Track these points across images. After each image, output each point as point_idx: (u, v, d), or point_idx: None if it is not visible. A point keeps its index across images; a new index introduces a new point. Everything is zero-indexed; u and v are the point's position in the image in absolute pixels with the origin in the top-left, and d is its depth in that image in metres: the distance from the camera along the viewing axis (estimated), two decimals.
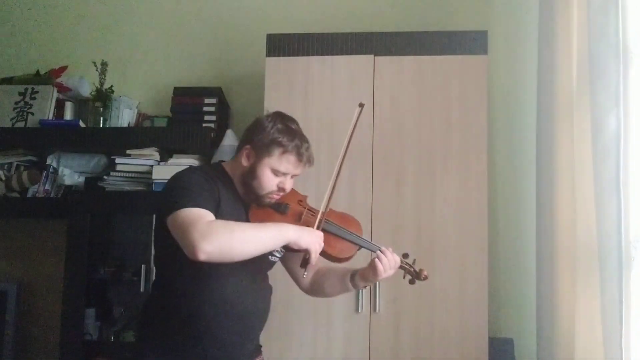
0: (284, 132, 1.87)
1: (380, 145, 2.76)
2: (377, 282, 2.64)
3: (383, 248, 1.93)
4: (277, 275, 2.51)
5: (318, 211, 1.92)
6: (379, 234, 2.70)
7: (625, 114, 1.96)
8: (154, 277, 2.11)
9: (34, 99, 3.26)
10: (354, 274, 1.98)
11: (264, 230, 1.73)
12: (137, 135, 3.14)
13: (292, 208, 1.94)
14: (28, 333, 3.25)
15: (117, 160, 3.08)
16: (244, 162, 1.89)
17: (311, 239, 1.77)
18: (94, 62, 3.26)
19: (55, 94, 3.28)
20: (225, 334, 1.84)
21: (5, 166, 3.24)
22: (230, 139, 3.10)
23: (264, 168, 1.86)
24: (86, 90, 3.33)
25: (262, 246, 1.72)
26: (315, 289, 2.09)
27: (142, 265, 2.93)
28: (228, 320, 1.83)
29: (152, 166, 3.05)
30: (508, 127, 3.16)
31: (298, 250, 1.78)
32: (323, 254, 1.89)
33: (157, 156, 3.07)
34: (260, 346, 2.08)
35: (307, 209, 1.95)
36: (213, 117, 3.17)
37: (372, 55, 2.82)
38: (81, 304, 2.96)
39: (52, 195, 3.16)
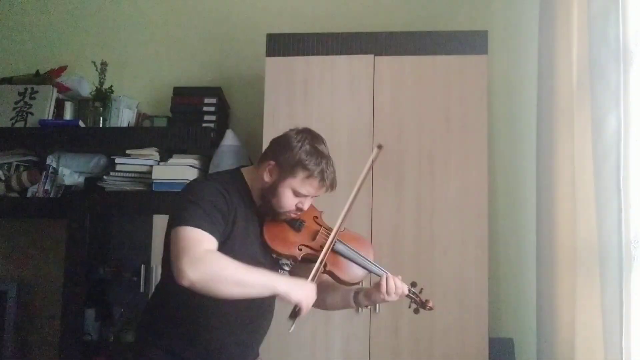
0: (311, 154, 1.82)
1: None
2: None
3: (390, 274, 1.88)
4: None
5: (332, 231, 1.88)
6: (379, 234, 2.70)
7: (626, 114, 1.95)
8: (158, 278, 2.10)
9: (34, 99, 3.25)
10: (357, 292, 1.94)
11: (255, 277, 1.67)
12: (137, 135, 3.14)
13: (307, 226, 1.90)
14: (28, 333, 3.25)
15: (117, 160, 3.08)
16: (266, 177, 1.84)
17: (302, 294, 1.69)
18: (94, 62, 3.25)
19: (55, 94, 3.27)
20: (227, 346, 1.84)
21: (5, 166, 3.24)
22: (230, 139, 3.10)
23: (286, 188, 1.81)
24: (86, 90, 3.33)
25: (246, 293, 1.68)
26: (318, 302, 1.99)
27: (142, 266, 2.93)
28: (230, 332, 1.83)
29: (151, 166, 3.05)
30: (508, 127, 3.16)
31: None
32: (332, 275, 1.88)
33: (156, 156, 3.07)
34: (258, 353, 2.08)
35: (323, 228, 1.91)
36: (213, 117, 3.17)
37: (372, 55, 2.82)
38: (81, 304, 2.96)
39: (51, 195, 3.16)
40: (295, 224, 1.88)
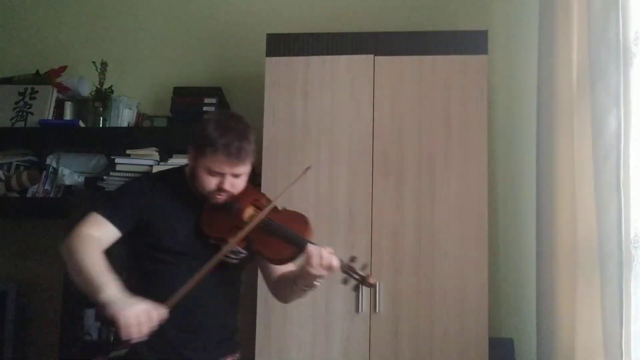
0: (216, 129, 1.84)
1: (380, 145, 2.76)
2: (376, 287, 2.63)
3: (317, 247, 1.81)
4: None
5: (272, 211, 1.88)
6: (379, 235, 2.70)
7: (626, 114, 1.95)
8: None
9: (34, 99, 3.25)
10: (297, 272, 1.90)
11: (92, 274, 1.71)
12: (137, 135, 3.14)
13: (242, 208, 1.89)
14: (28, 333, 3.25)
15: (117, 160, 3.08)
16: (189, 162, 1.93)
17: (122, 312, 1.59)
18: (94, 62, 3.26)
19: (55, 94, 3.27)
20: (164, 327, 1.79)
21: (5, 166, 3.24)
22: None
23: (201, 169, 1.86)
24: (86, 90, 3.32)
25: (80, 283, 1.75)
26: (278, 293, 2.05)
27: None
28: (174, 316, 1.80)
29: (151, 166, 3.05)
30: (508, 127, 3.16)
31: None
32: (260, 255, 1.88)
33: (156, 156, 3.07)
34: (237, 343, 2.05)
35: (256, 209, 1.90)
36: None
37: (372, 55, 2.82)
38: (81, 304, 2.96)
39: (51, 195, 3.16)
40: (228, 207, 1.89)
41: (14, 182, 3.16)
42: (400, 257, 2.70)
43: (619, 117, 1.96)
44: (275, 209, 1.93)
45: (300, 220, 1.91)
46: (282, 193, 2.00)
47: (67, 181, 3.15)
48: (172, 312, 1.75)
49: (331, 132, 2.80)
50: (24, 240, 3.35)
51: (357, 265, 1.82)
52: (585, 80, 2.18)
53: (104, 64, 3.26)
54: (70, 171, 3.18)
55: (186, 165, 1.99)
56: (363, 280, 1.80)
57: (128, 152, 3.08)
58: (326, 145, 2.80)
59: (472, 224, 2.68)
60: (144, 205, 1.88)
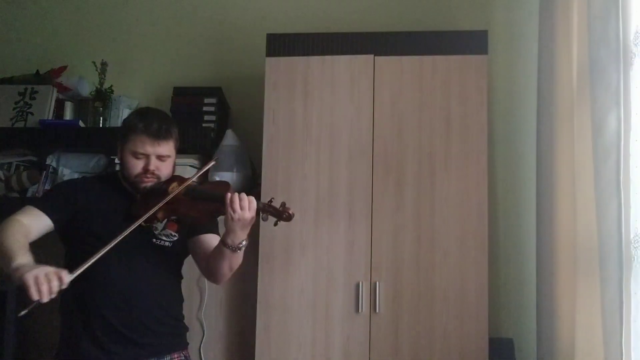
0: (135, 116, 2.07)
1: (380, 145, 2.76)
2: (378, 284, 2.64)
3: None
4: (276, 275, 2.52)
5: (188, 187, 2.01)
6: (379, 234, 2.70)
7: (626, 113, 1.95)
8: None
9: (34, 99, 3.26)
10: (222, 236, 1.98)
11: (7, 248, 1.81)
12: None
13: (167, 187, 2.01)
14: (28, 333, 3.25)
15: (117, 160, 3.08)
16: (118, 155, 2.09)
17: (28, 274, 1.68)
18: (94, 62, 3.26)
19: (55, 94, 3.28)
20: (108, 314, 1.95)
21: (5, 166, 3.24)
22: (230, 139, 3.10)
23: (126, 153, 2.02)
24: (86, 90, 3.33)
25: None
26: (209, 272, 2.11)
27: None
28: (107, 299, 1.95)
29: None
30: (508, 127, 3.16)
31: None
32: (190, 218, 2.01)
33: None
34: (186, 343, 2.13)
35: (177, 184, 2.01)
36: (213, 117, 3.17)
37: (372, 55, 2.82)
38: None
39: None
40: (156, 190, 2.01)
41: (14, 182, 3.16)
42: (400, 257, 2.70)
43: (619, 117, 1.96)
44: (200, 182, 2.10)
45: (222, 184, 2.03)
46: (202, 169, 2.18)
47: None
48: (112, 297, 1.92)
49: (331, 132, 2.80)
50: None
51: (275, 204, 1.92)
52: (585, 80, 2.18)
53: (104, 64, 3.26)
54: (70, 171, 3.18)
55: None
56: (280, 214, 1.89)
57: None
58: (326, 145, 2.80)
59: (472, 224, 2.68)
60: (76, 197, 2.02)
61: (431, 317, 2.65)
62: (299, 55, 2.85)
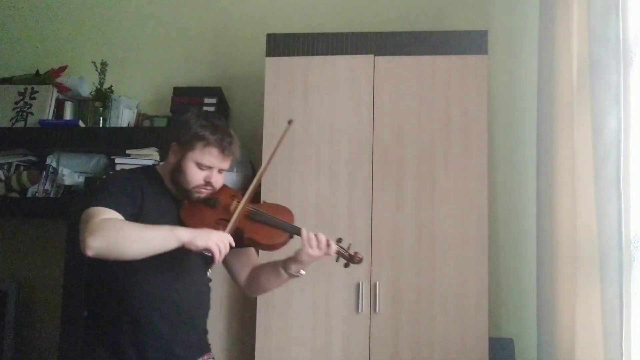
0: (206, 127, 1.92)
1: (380, 145, 2.76)
2: (378, 284, 2.64)
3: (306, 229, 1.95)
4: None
5: (249, 205, 1.96)
6: (379, 234, 2.70)
7: (626, 114, 1.96)
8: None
9: (34, 99, 3.25)
10: (285, 262, 1.99)
11: (154, 230, 1.75)
12: (137, 135, 3.14)
13: (222, 201, 1.96)
14: (28, 333, 3.25)
15: (117, 160, 3.08)
16: (171, 158, 1.96)
17: (210, 239, 1.74)
18: (94, 62, 3.26)
19: (55, 94, 3.27)
20: (157, 322, 1.88)
21: (5, 166, 3.24)
22: None
23: (189, 162, 1.91)
24: (86, 90, 3.32)
25: (150, 245, 1.74)
26: (252, 286, 2.10)
27: None
28: (158, 309, 1.87)
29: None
30: (508, 127, 3.16)
31: (202, 252, 1.76)
32: (252, 242, 1.94)
33: (156, 156, 3.06)
34: (209, 344, 2.08)
35: (237, 201, 1.96)
36: None
37: (372, 55, 2.82)
38: (81, 304, 2.95)
39: (51, 195, 3.16)
40: (210, 202, 1.95)
41: (14, 182, 3.16)
42: (400, 257, 2.70)
43: (619, 117, 1.96)
44: (257, 202, 2.04)
45: (284, 209, 2.02)
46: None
47: (67, 181, 3.15)
48: (166, 306, 1.85)
49: (331, 132, 2.80)
50: (24, 240, 3.35)
51: (344, 245, 1.96)
52: (585, 80, 2.18)
53: (104, 64, 3.26)
54: (70, 171, 3.18)
55: (157, 163, 2.05)
56: (352, 258, 1.95)
57: (128, 152, 3.07)
58: (326, 145, 2.80)
59: (472, 224, 2.68)
60: (136, 195, 1.89)
61: (431, 317, 2.65)
62: (299, 55, 2.85)
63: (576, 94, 2.30)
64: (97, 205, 1.82)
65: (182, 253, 1.81)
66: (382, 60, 2.82)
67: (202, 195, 1.94)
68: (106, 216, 1.78)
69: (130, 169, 2.18)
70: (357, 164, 2.76)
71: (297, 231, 1.92)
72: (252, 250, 2.10)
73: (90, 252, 1.71)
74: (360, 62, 2.82)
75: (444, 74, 2.78)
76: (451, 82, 2.77)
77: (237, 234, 1.89)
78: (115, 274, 1.87)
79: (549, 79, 2.51)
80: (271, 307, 2.70)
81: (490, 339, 2.65)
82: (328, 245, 1.91)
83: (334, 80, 2.82)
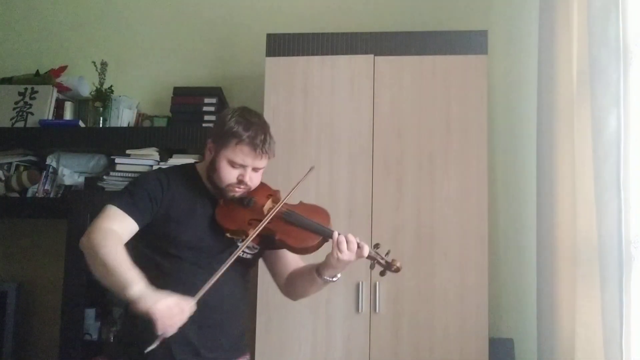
0: (239, 123, 1.88)
1: (380, 145, 2.76)
2: (376, 284, 2.64)
3: (340, 232, 1.87)
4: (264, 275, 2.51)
5: (287, 204, 1.90)
6: (379, 234, 2.70)
7: (626, 114, 1.95)
8: None
9: (34, 98, 3.26)
10: (319, 265, 1.92)
11: (120, 268, 1.67)
12: (137, 135, 3.13)
13: (257, 202, 1.91)
14: (28, 333, 3.25)
15: (117, 160, 3.08)
16: (207, 156, 1.93)
17: (156, 305, 1.60)
18: (94, 62, 3.26)
19: (55, 94, 3.28)
20: (186, 326, 1.78)
21: (5, 166, 3.24)
22: None
23: (222, 160, 1.87)
24: (86, 90, 3.33)
25: (106, 279, 1.69)
26: (289, 290, 2.05)
27: None
28: (196, 314, 1.80)
29: (151, 166, 3.04)
30: (508, 127, 3.16)
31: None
32: (284, 245, 1.87)
33: (156, 156, 3.07)
34: (246, 345, 2.06)
35: (272, 202, 1.92)
36: (213, 117, 3.16)
37: (372, 55, 2.82)
38: (81, 304, 2.96)
39: (51, 195, 3.16)
40: (245, 201, 1.90)
41: (14, 182, 3.16)
42: (400, 257, 2.68)
43: (619, 117, 1.96)
44: (293, 202, 1.95)
45: (320, 211, 1.95)
46: (296, 185, 1.97)
47: (67, 181, 3.15)
48: (193, 315, 1.76)
49: (331, 132, 2.80)
50: (24, 240, 3.35)
51: (381, 251, 1.86)
52: (585, 80, 2.18)
53: (104, 64, 3.26)
54: (70, 171, 3.18)
55: (196, 162, 2.02)
56: (389, 266, 1.86)
57: (128, 152, 3.08)
58: (326, 145, 2.80)
59: (472, 224, 2.68)
60: (162, 198, 1.85)
61: (431, 317, 2.65)
62: (299, 55, 2.85)
63: (576, 94, 2.30)
64: (114, 205, 1.80)
65: (214, 255, 1.81)
66: (382, 60, 2.82)
67: (237, 195, 1.89)
68: (114, 224, 1.76)
69: (168, 168, 2.12)
70: (357, 163, 2.76)
71: (329, 234, 1.84)
72: (282, 252, 2.02)
73: (80, 244, 1.75)
74: (360, 62, 2.82)
75: (444, 74, 2.78)
76: (451, 82, 2.77)
77: (268, 235, 1.84)
78: (152, 275, 1.80)
79: (549, 79, 2.51)
80: (271, 307, 2.70)
81: (490, 339, 2.65)
82: (359, 247, 1.83)
83: (334, 80, 2.82)
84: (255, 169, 1.90)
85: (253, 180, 1.90)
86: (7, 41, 3.57)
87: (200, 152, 3.08)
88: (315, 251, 1.88)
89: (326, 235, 1.85)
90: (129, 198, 1.82)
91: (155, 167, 3.03)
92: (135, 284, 1.63)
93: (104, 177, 3.09)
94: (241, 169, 1.87)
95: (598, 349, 2.02)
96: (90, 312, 3.04)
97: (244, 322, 2.04)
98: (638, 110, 1.95)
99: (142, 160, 3.07)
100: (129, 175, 3.06)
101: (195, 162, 2.03)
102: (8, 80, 3.35)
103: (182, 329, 1.75)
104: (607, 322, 1.96)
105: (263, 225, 1.81)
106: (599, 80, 2.05)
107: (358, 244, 1.84)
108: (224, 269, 1.74)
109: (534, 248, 2.65)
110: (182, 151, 3.09)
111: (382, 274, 1.89)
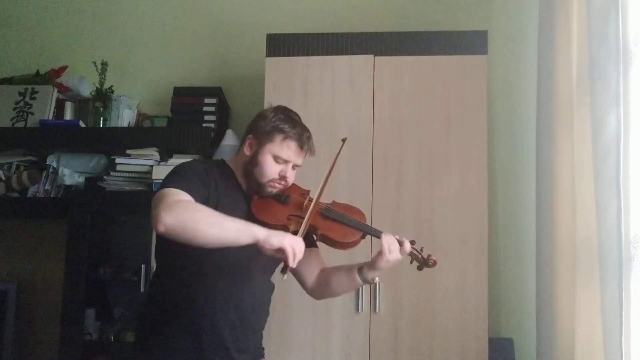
0: (285, 120, 1.91)
1: (380, 145, 2.76)
2: (378, 284, 2.64)
3: (386, 232, 1.89)
4: (276, 275, 2.52)
5: (321, 203, 1.91)
6: None
7: (625, 113, 1.95)
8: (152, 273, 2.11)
9: (34, 99, 3.26)
10: (361, 267, 1.93)
11: (231, 221, 1.66)
12: (137, 135, 3.14)
13: (294, 199, 1.93)
14: (28, 333, 3.25)
15: (117, 160, 3.08)
16: (247, 151, 1.92)
17: (285, 240, 1.63)
18: (94, 62, 3.26)
19: (55, 94, 3.28)
20: (220, 329, 1.84)
21: (5, 166, 3.24)
22: (230, 139, 3.10)
23: (266, 154, 1.88)
24: (86, 90, 3.33)
25: (225, 234, 1.64)
26: (320, 290, 2.05)
27: (142, 265, 2.93)
28: (222, 314, 1.84)
29: (152, 166, 3.05)
30: (508, 127, 3.16)
31: (274, 254, 1.67)
32: (326, 240, 1.88)
33: (157, 156, 3.07)
34: (263, 348, 2.08)
35: (309, 199, 1.92)
36: (213, 117, 3.17)
37: (372, 55, 2.82)
38: (81, 304, 2.96)
39: (52, 195, 3.16)
40: (282, 198, 1.91)
41: (14, 182, 3.16)
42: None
43: (618, 117, 1.96)
44: (326, 201, 1.99)
45: (356, 209, 2.00)
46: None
47: (67, 181, 3.15)
48: (231, 311, 1.80)
49: (331, 132, 2.79)
50: (24, 240, 3.35)
51: (417, 247, 1.91)
52: (585, 80, 2.18)
53: (104, 64, 3.26)
54: (70, 171, 3.18)
55: (222, 159, 2.02)
56: (427, 262, 1.90)
57: (128, 152, 3.08)
58: (326, 145, 2.79)
59: (472, 224, 2.68)
60: (209, 184, 1.83)
61: (431, 317, 2.65)
62: (298, 55, 2.85)
63: (576, 94, 2.29)
64: (171, 187, 1.73)
65: (251, 256, 1.78)
66: (382, 60, 2.82)
67: (274, 191, 1.90)
68: (182, 198, 1.70)
69: (203, 160, 2.09)
70: (357, 163, 2.76)
71: (376, 233, 1.88)
72: (319, 252, 2.05)
73: (161, 228, 1.61)
74: (360, 62, 2.82)
75: (444, 74, 2.78)
76: (451, 82, 2.77)
77: (309, 232, 1.86)
78: (182, 273, 1.83)
79: (548, 79, 2.51)
80: (271, 307, 2.69)
81: (490, 339, 2.65)
82: (401, 245, 1.85)
83: (334, 81, 2.83)
84: (295, 166, 1.93)
85: (291, 178, 1.93)
86: (7, 41, 3.57)
87: (200, 152, 3.09)
88: (355, 247, 1.91)
89: (367, 232, 1.90)
90: (182, 180, 1.77)
91: (155, 167, 3.03)
92: (256, 228, 1.64)
93: (104, 177, 3.10)
94: (283, 165, 1.89)
95: (598, 349, 2.02)
96: (90, 312, 3.04)
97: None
98: (638, 110, 1.94)
99: (143, 160, 3.07)
100: (129, 175, 3.07)
101: (224, 160, 2.02)
102: (8, 81, 3.35)
103: (217, 329, 1.80)
104: (607, 322, 1.96)
105: (310, 214, 1.83)
106: (598, 80, 2.05)
107: (399, 241, 1.85)
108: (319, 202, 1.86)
109: (534, 248, 2.65)
110: (183, 151, 3.09)
111: (419, 268, 1.93)
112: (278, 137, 1.88)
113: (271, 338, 2.69)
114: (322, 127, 2.80)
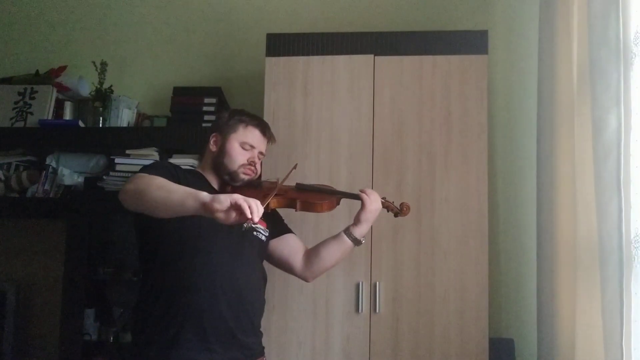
0: (242, 113, 2.16)
1: (380, 145, 2.76)
2: (376, 284, 2.64)
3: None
4: (276, 275, 2.52)
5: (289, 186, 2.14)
6: (379, 233, 2.70)
7: (626, 114, 1.95)
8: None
9: (34, 98, 3.25)
10: (347, 229, 2.13)
11: (180, 187, 1.72)
12: (137, 135, 3.13)
13: (266, 183, 2.15)
14: (28, 333, 3.25)
15: (117, 160, 3.08)
16: (213, 148, 2.11)
17: (234, 195, 1.60)
18: (94, 62, 3.25)
19: (55, 94, 3.27)
20: (221, 307, 1.89)
21: (5, 166, 3.24)
22: None
23: (232, 142, 2.07)
24: (86, 90, 3.33)
25: (170, 197, 1.67)
26: (312, 267, 2.17)
27: None
28: (221, 290, 1.90)
29: None
30: (508, 127, 3.16)
31: (232, 218, 1.59)
32: (306, 205, 2.07)
33: (156, 156, 3.06)
34: (263, 347, 2.08)
35: (279, 181, 2.12)
36: (213, 117, 3.16)
37: (372, 55, 2.82)
38: (81, 304, 2.96)
39: (51, 196, 3.16)
40: (254, 183, 2.13)
41: (13, 182, 3.16)
42: (400, 257, 2.70)
43: (619, 117, 1.96)
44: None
45: (326, 185, 2.28)
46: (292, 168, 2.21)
47: (67, 181, 3.15)
48: (230, 290, 1.90)
49: (331, 132, 2.80)
50: (23, 240, 3.35)
51: (390, 200, 2.22)
52: (585, 80, 2.18)
53: (103, 64, 3.26)
54: (70, 171, 3.18)
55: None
56: (401, 209, 2.21)
57: (128, 152, 3.07)
58: (326, 145, 2.80)
59: (472, 224, 2.68)
60: (177, 178, 1.93)
61: (431, 317, 2.65)
62: (298, 55, 2.85)
63: (576, 94, 2.29)
64: (144, 172, 1.89)
65: (236, 237, 1.90)
66: (382, 60, 2.81)
67: (247, 178, 2.06)
68: (149, 173, 1.85)
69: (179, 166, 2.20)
70: (357, 163, 2.76)
71: (352, 193, 2.16)
72: (289, 237, 2.22)
73: (122, 196, 1.80)
74: (360, 62, 2.82)
75: (444, 74, 2.78)
76: (451, 82, 2.77)
77: (291, 205, 2.07)
78: (168, 262, 1.91)
79: (549, 79, 2.51)
80: (271, 307, 2.70)
81: (490, 339, 2.65)
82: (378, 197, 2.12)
83: (334, 80, 2.82)
84: (260, 154, 2.13)
85: (258, 166, 2.11)
86: (7, 41, 3.57)
87: (200, 152, 3.08)
88: (334, 208, 2.17)
89: (341, 194, 2.18)
90: (153, 169, 1.91)
91: None
92: (198, 193, 1.64)
93: (104, 177, 3.09)
94: (251, 151, 2.08)
95: (598, 349, 2.01)
96: (90, 312, 3.04)
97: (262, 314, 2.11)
98: (638, 110, 1.94)
99: (142, 160, 3.06)
100: (129, 175, 3.06)
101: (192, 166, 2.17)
102: (8, 80, 3.35)
103: (217, 309, 1.87)
104: (607, 322, 1.95)
105: (279, 186, 2.06)
106: (599, 80, 2.05)
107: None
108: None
109: (534, 248, 2.65)
110: (182, 151, 3.08)
111: (395, 215, 2.21)
112: (240, 126, 2.10)
113: (271, 338, 2.69)
114: (322, 127, 2.81)
